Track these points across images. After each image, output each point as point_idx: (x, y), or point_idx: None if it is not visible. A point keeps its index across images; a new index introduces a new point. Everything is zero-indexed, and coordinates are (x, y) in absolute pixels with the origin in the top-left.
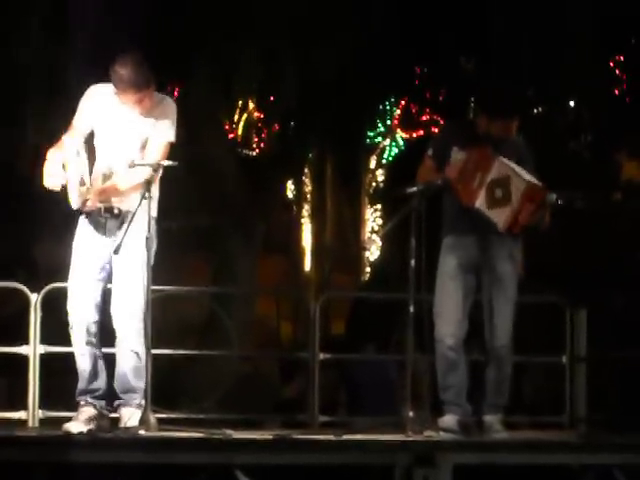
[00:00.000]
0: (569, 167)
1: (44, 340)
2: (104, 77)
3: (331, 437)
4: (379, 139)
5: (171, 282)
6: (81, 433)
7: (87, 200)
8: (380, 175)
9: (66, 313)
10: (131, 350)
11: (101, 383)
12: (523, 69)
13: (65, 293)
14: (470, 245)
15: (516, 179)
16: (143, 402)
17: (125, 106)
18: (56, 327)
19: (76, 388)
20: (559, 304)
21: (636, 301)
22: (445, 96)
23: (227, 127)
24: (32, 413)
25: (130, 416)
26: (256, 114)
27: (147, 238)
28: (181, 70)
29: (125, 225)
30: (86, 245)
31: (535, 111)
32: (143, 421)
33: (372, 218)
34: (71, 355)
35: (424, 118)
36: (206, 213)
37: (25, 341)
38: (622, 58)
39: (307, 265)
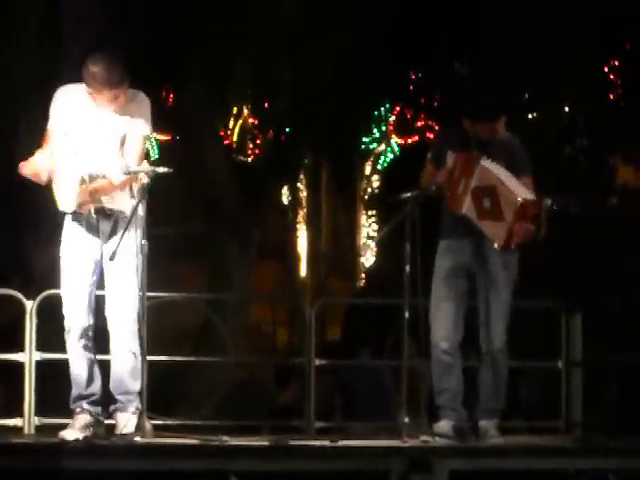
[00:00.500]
0: (564, 172)
1: (40, 347)
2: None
3: (327, 443)
4: (374, 145)
5: (166, 289)
6: (77, 440)
7: (77, 203)
8: (375, 181)
9: (62, 319)
10: (128, 350)
11: (96, 389)
12: (518, 74)
13: (60, 300)
14: (464, 249)
15: (503, 189)
16: (139, 407)
17: (99, 105)
18: (52, 334)
19: (71, 394)
20: (554, 309)
21: (631, 305)
22: (440, 102)
23: (222, 133)
24: (28, 420)
25: (126, 422)
26: (251, 120)
27: (140, 244)
28: (175, 77)
29: (119, 228)
30: (76, 249)
31: (530, 116)
32: (139, 428)
33: (367, 224)
34: (67, 362)
35: (419, 124)
36: (201, 219)
37: (21, 348)
38: (617, 63)
39: (302, 271)
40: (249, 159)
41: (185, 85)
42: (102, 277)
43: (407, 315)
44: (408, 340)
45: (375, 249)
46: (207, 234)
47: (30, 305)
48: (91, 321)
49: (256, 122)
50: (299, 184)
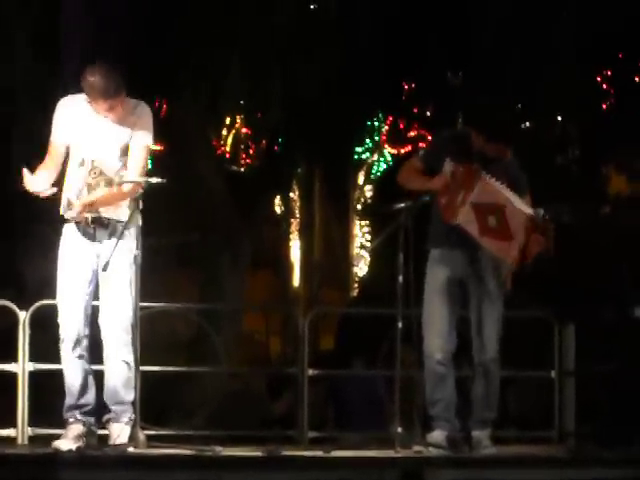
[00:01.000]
0: (557, 181)
1: (33, 358)
2: None
3: (320, 453)
4: (367, 155)
5: (159, 298)
6: (70, 451)
7: (75, 211)
8: (368, 191)
9: (55, 329)
10: (122, 360)
11: (90, 399)
12: (510, 83)
13: (54, 310)
14: (457, 259)
15: (511, 208)
16: (133, 417)
17: (100, 114)
18: (45, 344)
19: (64, 403)
20: (547, 318)
21: (624, 315)
22: (433, 112)
23: (215, 143)
24: (21, 430)
25: (119, 433)
26: (244, 130)
27: (135, 255)
28: (168, 87)
29: (114, 238)
30: (73, 258)
31: (522, 126)
32: (132, 438)
33: (360, 234)
34: (60, 372)
35: (412, 134)
36: (194, 229)
37: (14, 359)
38: (609, 72)
39: (296, 281)
40: (242, 169)
41: (178, 95)
42: (98, 288)
43: (400, 325)
44: (404, 349)
45: (368, 259)
46: (200, 244)
47: (23, 315)
48: (86, 331)
49: (249, 132)
50: (292, 194)
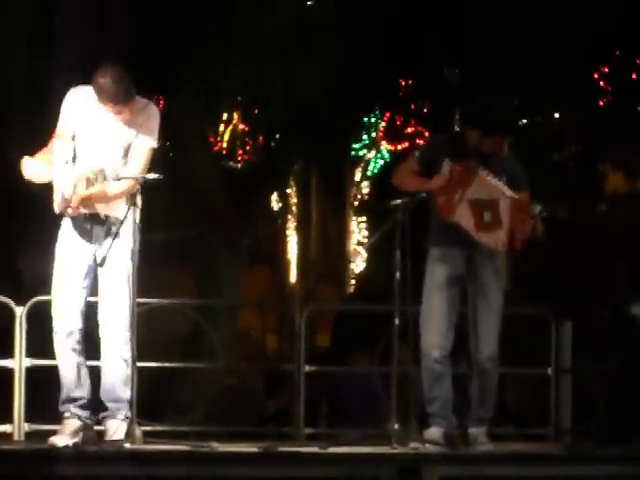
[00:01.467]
0: (554, 178)
1: (29, 353)
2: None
3: (316, 449)
4: (364, 151)
5: (156, 294)
6: (67, 446)
7: (69, 206)
8: (365, 187)
9: (51, 323)
10: (120, 357)
11: (85, 392)
12: (507, 80)
13: (50, 306)
14: (457, 258)
15: (503, 200)
16: (129, 414)
17: (107, 111)
18: (42, 340)
19: (59, 397)
20: (544, 316)
21: (620, 312)
22: (430, 108)
23: (212, 139)
24: (18, 426)
25: (116, 429)
26: (241, 126)
27: (132, 251)
28: (165, 82)
29: (111, 235)
30: (70, 252)
31: (520, 122)
32: (129, 434)
33: (357, 230)
34: (57, 368)
35: (409, 130)
36: (191, 225)
37: (10, 354)
38: (607, 69)
39: (292, 277)
40: (239, 165)
41: (175, 91)
42: (95, 283)
43: (397, 321)
44: (401, 345)
45: (365, 255)
46: (196, 240)
47: (20, 311)
48: (80, 325)
49: (246, 128)
50: (289, 190)
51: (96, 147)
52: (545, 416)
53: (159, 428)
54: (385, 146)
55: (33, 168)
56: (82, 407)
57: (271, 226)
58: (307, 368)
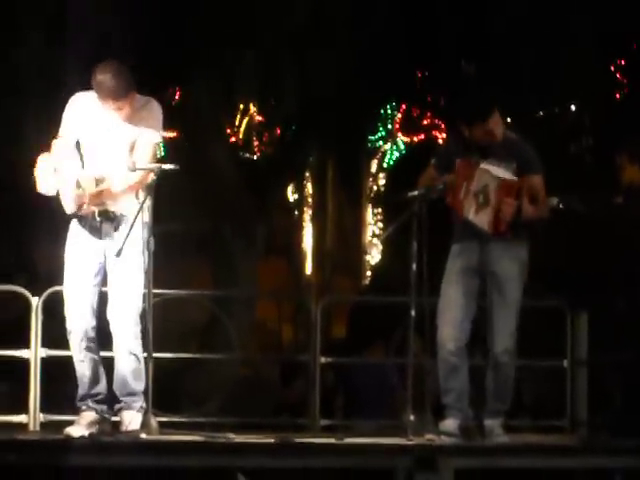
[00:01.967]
0: (570, 170)
1: (45, 344)
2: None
3: (332, 441)
4: (380, 143)
5: (172, 286)
6: (82, 437)
7: (83, 204)
8: (381, 179)
9: (65, 318)
10: (130, 352)
11: (102, 388)
12: (524, 72)
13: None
14: (474, 250)
15: (492, 182)
16: (144, 405)
17: (109, 111)
18: (57, 331)
19: (77, 393)
20: (560, 308)
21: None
22: (446, 100)
23: (228, 131)
24: (33, 417)
25: (131, 420)
26: (257, 118)
27: (145, 241)
28: (182, 74)
29: (122, 228)
30: (80, 250)
31: (536, 114)
32: (144, 425)
33: (373, 222)
34: (72, 359)
35: (425, 122)
36: (207, 217)
37: (26, 345)
38: (623, 62)
39: (308, 268)
40: (255, 156)
41: (192, 82)
42: (105, 280)
43: (413, 313)
44: (415, 337)
45: (381, 247)
46: (213, 231)
47: (36, 302)
48: (93, 322)
49: (263, 120)
50: (305, 182)
51: (103, 147)
52: (561, 408)
53: (175, 419)
54: (401, 138)
55: (46, 183)
56: (99, 402)
57: (287, 217)
58: (322, 359)
